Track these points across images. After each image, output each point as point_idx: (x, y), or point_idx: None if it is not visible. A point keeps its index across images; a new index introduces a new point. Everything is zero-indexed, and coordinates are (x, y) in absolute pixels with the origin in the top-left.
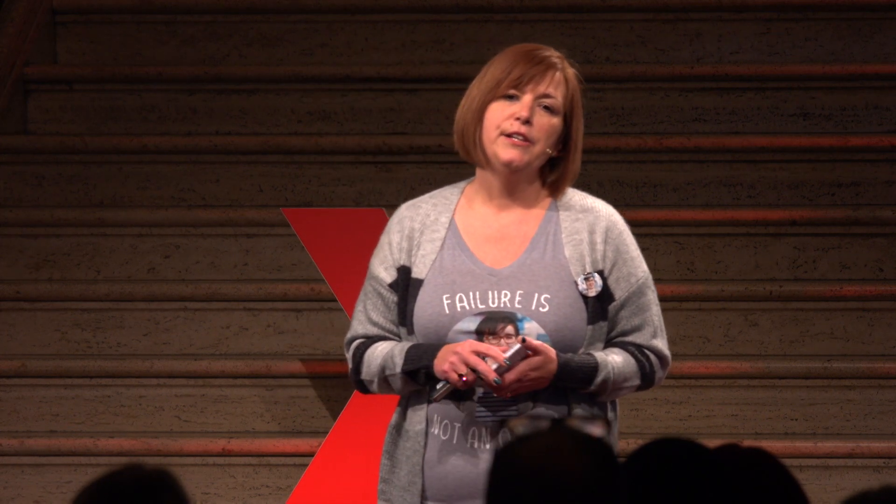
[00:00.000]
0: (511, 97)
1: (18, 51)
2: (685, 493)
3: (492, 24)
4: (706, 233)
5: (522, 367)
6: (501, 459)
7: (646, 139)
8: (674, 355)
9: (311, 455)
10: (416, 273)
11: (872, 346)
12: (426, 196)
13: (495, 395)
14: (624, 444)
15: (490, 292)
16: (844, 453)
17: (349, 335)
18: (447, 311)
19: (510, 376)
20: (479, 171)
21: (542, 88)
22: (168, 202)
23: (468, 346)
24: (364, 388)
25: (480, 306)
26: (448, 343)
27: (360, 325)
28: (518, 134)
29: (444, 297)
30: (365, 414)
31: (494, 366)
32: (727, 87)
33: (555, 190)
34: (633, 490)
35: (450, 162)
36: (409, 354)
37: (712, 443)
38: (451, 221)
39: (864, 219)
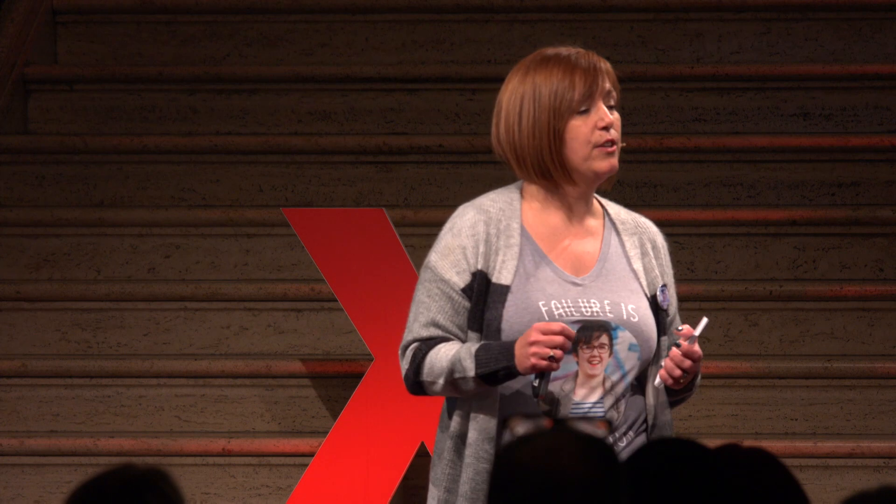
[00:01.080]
0: (586, 111)
1: (19, 51)
2: (685, 493)
3: (492, 24)
4: (706, 233)
5: (695, 347)
6: (503, 460)
7: (646, 139)
8: None
9: (311, 455)
10: (499, 279)
11: (872, 346)
12: (484, 199)
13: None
14: None
15: (580, 300)
16: (844, 453)
17: (408, 337)
18: (546, 318)
19: (694, 347)
20: (559, 180)
21: (605, 88)
22: (168, 202)
23: (535, 330)
24: (422, 389)
25: (575, 315)
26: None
27: (422, 328)
28: (609, 141)
29: (541, 303)
30: (365, 414)
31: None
32: (727, 87)
33: (611, 183)
34: (634, 490)
35: (450, 162)
36: (480, 357)
37: (712, 443)
38: (523, 228)
39: (864, 219)
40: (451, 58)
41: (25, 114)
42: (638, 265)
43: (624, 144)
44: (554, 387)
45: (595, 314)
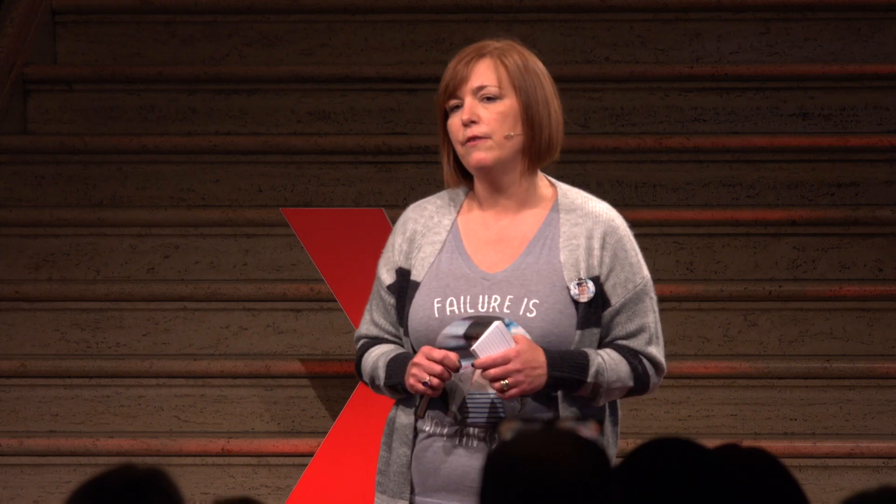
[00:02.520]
0: (457, 107)
1: (18, 51)
2: (684, 494)
3: (492, 24)
4: (705, 233)
5: (498, 356)
6: (495, 457)
7: (645, 139)
8: (673, 355)
9: (310, 455)
10: (415, 275)
11: (872, 346)
12: (433, 197)
13: (501, 397)
14: (623, 444)
15: (481, 296)
16: (844, 453)
17: (356, 334)
18: (437, 315)
19: (484, 361)
20: (474, 178)
21: (474, 84)
22: (168, 202)
23: (421, 353)
24: (367, 385)
25: (469, 310)
26: (437, 346)
27: (364, 326)
28: (471, 137)
29: (436, 300)
30: (364, 414)
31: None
32: (727, 87)
33: (534, 165)
34: (632, 490)
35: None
36: (388, 369)
37: (712, 443)
38: (454, 224)
39: (864, 219)
40: (451, 58)
41: (25, 114)
42: (565, 257)
43: (520, 135)
44: (453, 380)
45: (492, 310)
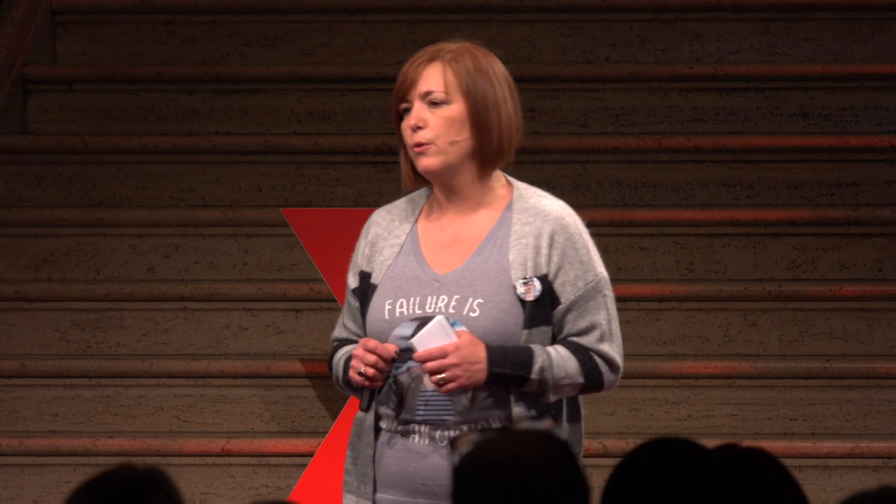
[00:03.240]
0: (407, 110)
1: (18, 51)
2: (683, 493)
3: (491, 24)
4: (705, 233)
5: (435, 350)
6: (465, 464)
7: (645, 139)
8: (673, 355)
9: (310, 455)
10: (374, 279)
11: (872, 346)
12: (399, 200)
13: (439, 391)
14: (623, 444)
15: (430, 297)
16: (843, 453)
17: (331, 337)
18: (387, 317)
19: (421, 354)
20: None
21: (422, 89)
22: (168, 202)
23: (359, 345)
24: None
25: (417, 312)
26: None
27: (337, 329)
28: (416, 143)
29: (387, 302)
30: None
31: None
32: (727, 87)
33: (487, 168)
34: (632, 490)
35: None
36: (345, 366)
37: (711, 443)
38: (414, 226)
39: (864, 219)
40: None
41: (25, 114)
42: (513, 256)
43: (467, 140)
44: (406, 377)
45: (438, 311)
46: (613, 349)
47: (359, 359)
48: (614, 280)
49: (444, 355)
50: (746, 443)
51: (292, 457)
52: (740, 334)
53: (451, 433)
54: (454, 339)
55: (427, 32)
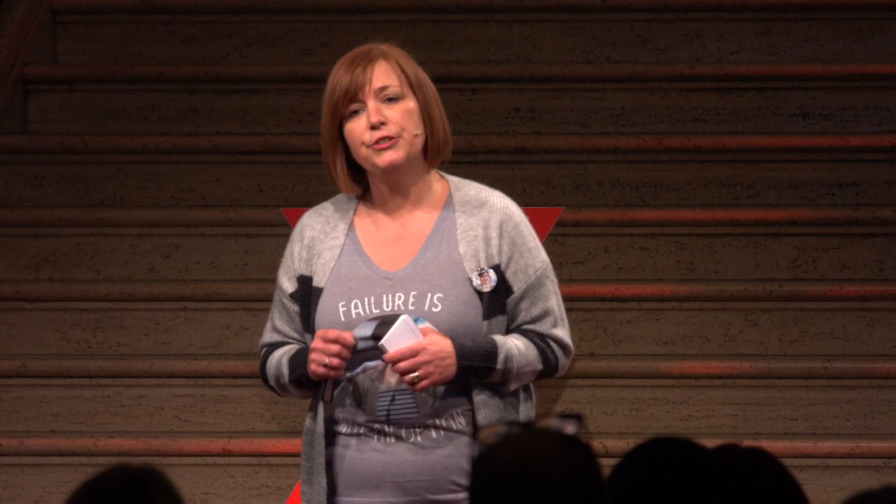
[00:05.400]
0: (356, 112)
1: (18, 51)
2: (683, 493)
3: (492, 24)
4: (706, 233)
5: (406, 350)
6: (483, 461)
7: (646, 139)
8: (673, 355)
9: None
10: (317, 282)
11: (872, 346)
12: (328, 202)
13: (411, 389)
14: (624, 444)
15: (385, 296)
16: (844, 453)
17: (259, 343)
18: (343, 319)
19: (393, 355)
20: (370, 181)
21: (376, 85)
22: (168, 202)
23: (317, 337)
24: (275, 392)
25: (375, 311)
26: None
27: (266, 334)
28: (381, 139)
29: (340, 304)
30: None
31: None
32: (727, 87)
33: (431, 163)
34: (630, 490)
35: (450, 162)
36: (291, 364)
37: (712, 443)
38: (351, 227)
39: (864, 219)
40: (451, 58)
41: (25, 114)
42: (464, 249)
43: (419, 132)
44: (363, 378)
45: (398, 308)
46: (566, 333)
47: (320, 351)
48: (615, 280)
49: (415, 354)
50: (747, 443)
51: (293, 457)
52: (741, 334)
53: (418, 430)
54: (420, 336)
55: (427, 32)
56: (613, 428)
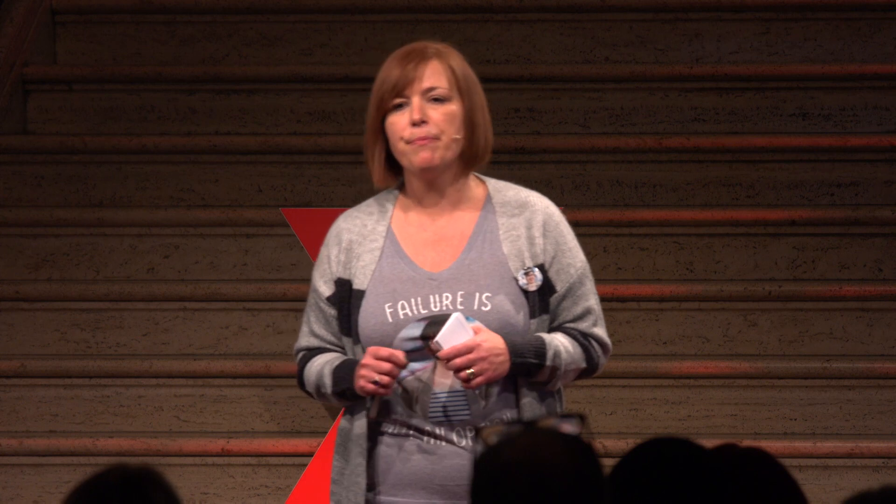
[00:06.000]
0: (400, 106)
1: (18, 51)
2: (681, 494)
3: (491, 24)
4: (705, 233)
5: (461, 346)
6: (485, 461)
7: (645, 139)
8: (673, 355)
9: (310, 455)
10: (358, 284)
11: (872, 346)
12: (363, 205)
13: (465, 386)
14: (623, 444)
15: (431, 296)
16: (844, 453)
17: (295, 346)
18: (390, 320)
19: (448, 352)
20: (406, 178)
21: (425, 84)
22: (167, 202)
23: (368, 354)
24: (311, 396)
25: (423, 311)
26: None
27: (304, 338)
28: (420, 137)
29: (387, 305)
30: None
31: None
32: (726, 87)
33: (469, 168)
34: (629, 490)
35: None
36: (335, 376)
37: (711, 443)
38: (389, 229)
39: (864, 219)
40: None
41: (24, 114)
42: (507, 248)
43: (459, 137)
44: (412, 380)
45: (446, 308)
46: (605, 332)
47: (371, 368)
48: (614, 280)
49: (470, 350)
50: (746, 443)
51: (292, 457)
52: (740, 334)
53: (468, 431)
54: (472, 333)
55: (427, 32)
56: (613, 428)
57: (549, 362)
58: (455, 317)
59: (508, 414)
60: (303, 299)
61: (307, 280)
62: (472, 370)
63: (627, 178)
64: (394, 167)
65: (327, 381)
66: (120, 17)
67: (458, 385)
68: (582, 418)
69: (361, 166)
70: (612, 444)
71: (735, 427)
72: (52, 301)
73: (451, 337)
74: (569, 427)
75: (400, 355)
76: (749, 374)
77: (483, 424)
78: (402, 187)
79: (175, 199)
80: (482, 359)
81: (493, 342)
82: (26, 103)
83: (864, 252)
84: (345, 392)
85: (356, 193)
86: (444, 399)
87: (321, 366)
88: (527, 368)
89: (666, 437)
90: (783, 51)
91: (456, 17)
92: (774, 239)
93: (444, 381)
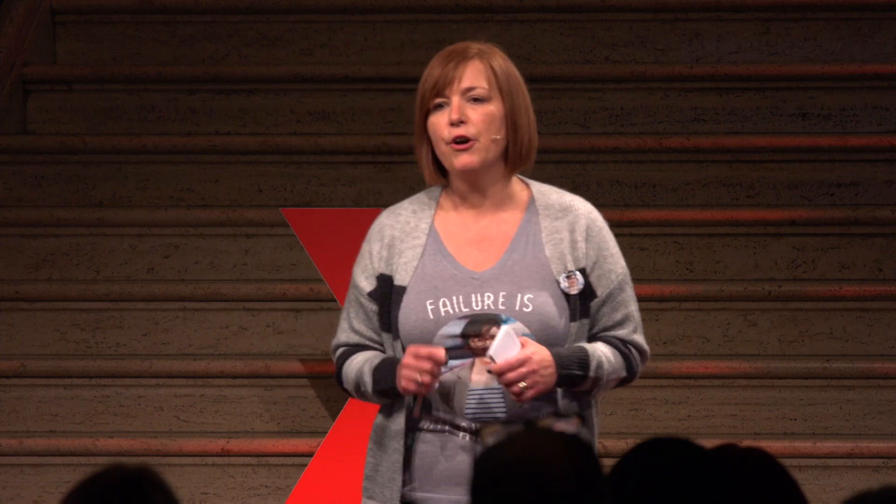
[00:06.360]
0: (441, 106)
1: (18, 51)
2: (681, 494)
3: (491, 24)
4: (705, 233)
5: (514, 360)
6: (484, 460)
7: (645, 139)
8: (673, 355)
9: (310, 455)
10: (399, 280)
11: (871, 346)
12: (405, 202)
13: (517, 400)
14: (623, 444)
15: (473, 295)
16: (844, 453)
17: (334, 342)
18: (431, 317)
19: (501, 366)
20: (450, 177)
21: (465, 84)
22: (167, 202)
23: (408, 353)
24: (348, 394)
25: (464, 310)
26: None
27: (343, 333)
28: (458, 138)
29: (428, 302)
30: (364, 414)
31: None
32: (726, 87)
33: (512, 169)
34: (629, 490)
35: None
36: (376, 375)
37: (711, 443)
38: (432, 227)
39: (864, 219)
40: None
41: (24, 114)
42: (550, 251)
43: (503, 139)
44: (451, 376)
45: (487, 308)
46: (643, 339)
47: (412, 368)
48: None
49: (522, 364)
50: (746, 443)
51: (292, 457)
52: (740, 334)
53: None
54: (520, 346)
55: (427, 32)
56: (612, 428)
57: (592, 373)
58: (505, 329)
59: (545, 413)
60: (303, 299)
61: (307, 280)
62: (524, 384)
63: (627, 178)
64: (442, 166)
65: (367, 379)
66: (120, 17)
67: (495, 382)
68: (580, 418)
69: (361, 166)
70: (612, 444)
71: (735, 427)
72: (52, 301)
73: (503, 351)
74: (566, 427)
75: (439, 353)
76: (749, 374)
77: (482, 424)
78: (448, 185)
79: (175, 199)
80: (533, 372)
81: (542, 355)
82: (26, 103)
83: (864, 252)
84: (386, 391)
85: (356, 193)
86: (479, 395)
87: (361, 364)
88: (571, 380)
89: (666, 437)
90: (783, 51)
91: (456, 17)
92: (774, 239)
93: (481, 378)
